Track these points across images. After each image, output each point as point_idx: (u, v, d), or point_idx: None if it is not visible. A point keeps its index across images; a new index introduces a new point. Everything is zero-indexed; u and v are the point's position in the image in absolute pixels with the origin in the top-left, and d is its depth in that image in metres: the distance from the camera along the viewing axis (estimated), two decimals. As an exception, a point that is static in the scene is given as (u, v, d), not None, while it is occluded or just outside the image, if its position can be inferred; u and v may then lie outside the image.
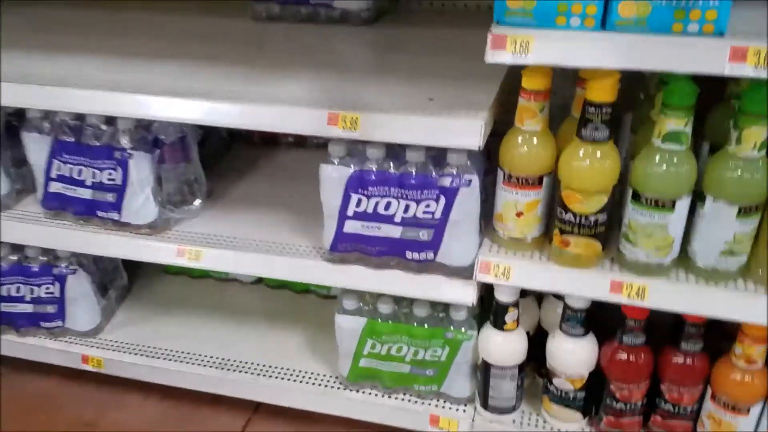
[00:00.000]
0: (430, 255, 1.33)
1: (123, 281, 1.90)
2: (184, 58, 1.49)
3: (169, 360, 1.68)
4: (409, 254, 1.34)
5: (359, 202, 1.32)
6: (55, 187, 1.53)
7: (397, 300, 1.45)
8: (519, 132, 1.21)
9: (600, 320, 1.33)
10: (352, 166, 1.30)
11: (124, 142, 1.43)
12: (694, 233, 1.20)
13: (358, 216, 1.33)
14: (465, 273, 1.33)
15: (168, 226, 1.54)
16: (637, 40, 1.01)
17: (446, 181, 1.25)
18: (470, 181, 1.25)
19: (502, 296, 1.34)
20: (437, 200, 1.27)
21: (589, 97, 1.12)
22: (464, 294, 1.34)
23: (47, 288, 1.68)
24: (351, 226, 1.35)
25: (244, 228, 1.54)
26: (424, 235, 1.31)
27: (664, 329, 1.32)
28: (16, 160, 1.62)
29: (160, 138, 1.46)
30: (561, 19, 1.04)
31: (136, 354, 1.71)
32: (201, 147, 1.59)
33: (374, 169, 1.29)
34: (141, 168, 1.45)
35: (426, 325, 1.44)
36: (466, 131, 1.18)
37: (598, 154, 1.15)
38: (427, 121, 1.19)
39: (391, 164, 1.29)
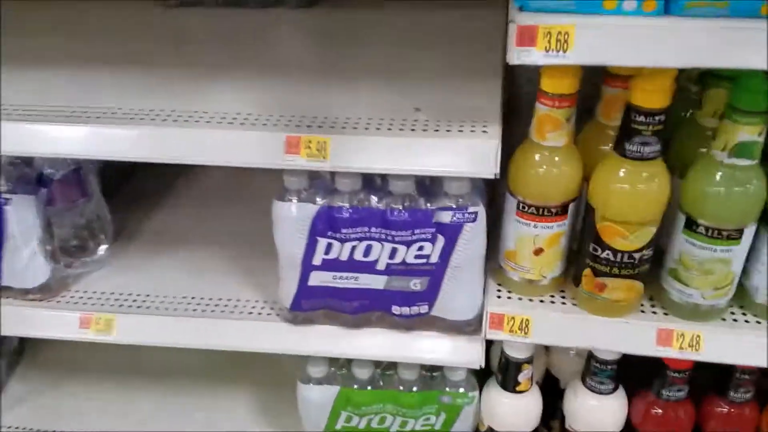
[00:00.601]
0: (424, 308, 1.05)
1: (12, 344, 1.51)
2: (70, 63, 1.13)
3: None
4: (396, 309, 1.06)
5: (329, 247, 1.02)
6: None
7: (378, 360, 1.17)
8: (537, 148, 0.95)
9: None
10: (317, 200, 1.00)
11: (-4, 183, 1.06)
12: (756, 264, 0.98)
13: (328, 265, 1.03)
14: (468, 328, 1.06)
15: (65, 287, 1.18)
16: (717, 28, 0.75)
17: (445, 217, 0.97)
18: (475, 214, 0.97)
19: (516, 352, 1.08)
20: (433, 241, 0.99)
21: (637, 101, 0.86)
22: (469, 355, 1.07)
23: None
24: (318, 278, 1.05)
25: (169, 280, 1.21)
26: (416, 284, 1.03)
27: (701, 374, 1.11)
28: None
29: (47, 173, 1.09)
30: (611, 2, 0.77)
31: (36, 444, 1.34)
32: (101, 174, 1.23)
33: (348, 205, 0.99)
34: (23, 215, 1.09)
35: (415, 389, 1.16)
36: (475, 155, 0.90)
37: (648, 174, 0.90)
38: (421, 144, 0.90)
39: (371, 197, 1.00)
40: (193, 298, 1.17)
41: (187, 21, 1.28)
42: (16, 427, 1.37)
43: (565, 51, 0.78)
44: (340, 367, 1.18)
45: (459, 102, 0.99)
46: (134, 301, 1.16)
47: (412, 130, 0.92)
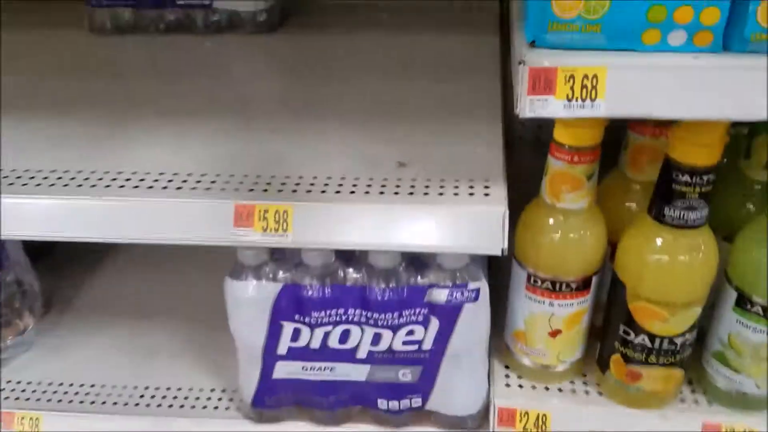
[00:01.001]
0: (417, 402, 0.87)
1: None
2: None
3: None
4: (382, 403, 0.87)
5: (296, 333, 0.83)
6: None
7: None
8: (551, 211, 0.77)
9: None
10: (280, 278, 0.81)
11: None
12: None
13: (295, 354, 0.84)
14: (472, 423, 0.88)
15: (-19, 378, 0.98)
16: (795, 69, 0.58)
17: (440, 296, 0.79)
18: (476, 292, 0.79)
19: (528, 448, 0.90)
20: (425, 324, 0.81)
21: (680, 156, 0.69)
22: (473, 457, 0.89)
23: None
24: (285, 370, 0.86)
25: (109, 365, 1.01)
26: (406, 375, 0.85)
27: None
28: None
29: (-54, 246, 0.90)
30: (652, 35, 0.59)
31: None
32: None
33: (318, 283, 0.80)
34: None
35: (408, 488, 0.98)
36: (476, 226, 0.71)
37: (692, 245, 0.72)
38: (407, 213, 0.72)
39: (347, 271, 0.81)
40: (135, 388, 0.97)
41: (121, 52, 1.09)
42: None
43: (593, 99, 0.60)
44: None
45: (451, 150, 0.81)
46: (65, 393, 0.96)
47: (396, 193, 0.74)
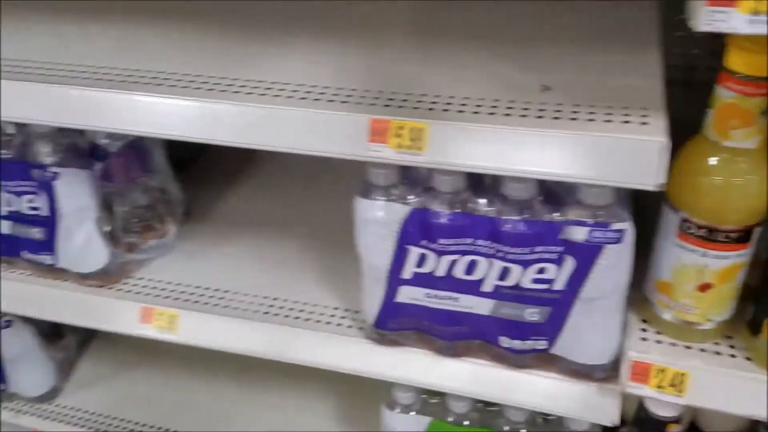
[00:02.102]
0: (542, 344, 0.84)
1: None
2: (105, 15, 0.98)
3: (147, 446, 1.24)
4: (505, 340, 0.85)
5: (422, 259, 0.82)
6: (-42, 214, 1.06)
7: (478, 392, 0.97)
8: (715, 149, 0.69)
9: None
10: (409, 200, 0.80)
11: (44, 154, 0.94)
12: None
13: (420, 280, 0.84)
14: (600, 374, 0.84)
15: (127, 273, 1.06)
16: None
17: (578, 233, 0.74)
18: (620, 234, 0.74)
19: (661, 409, 0.85)
20: (559, 262, 0.77)
21: None
22: (599, 409, 0.85)
23: (-26, 347, 1.23)
24: (408, 295, 0.86)
25: (241, 273, 1.06)
26: (533, 314, 0.82)
27: None
28: None
29: (102, 145, 0.96)
30: None
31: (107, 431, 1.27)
32: (169, 146, 1.09)
33: (448, 209, 0.78)
34: (75, 192, 0.97)
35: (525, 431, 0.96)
36: (630, 156, 0.66)
37: None
38: (552, 137, 0.68)
39: (478, 200, 0.78)
40: (265, 297, 1.02)
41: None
42: (78, 409, 1.31)
43: (786, 16, 0.52)
44: (432, 395, 0.99)
45: (603, 78, 0.75)
46: (201, 296, 1.03)
47: (539, 117, 0.70)
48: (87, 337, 1.43)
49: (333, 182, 1.17)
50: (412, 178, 0.81)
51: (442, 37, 0.87)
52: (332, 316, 0.98)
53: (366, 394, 1.26)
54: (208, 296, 1.03)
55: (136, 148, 1.00)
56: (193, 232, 1.15)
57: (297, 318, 0.98)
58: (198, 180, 1.24)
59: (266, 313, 0.99)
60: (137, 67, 0.84)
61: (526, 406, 0.90)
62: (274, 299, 1.01)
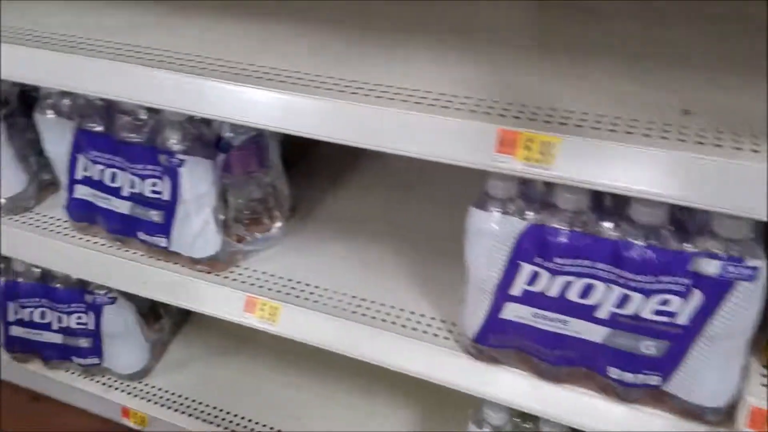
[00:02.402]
0: (655, 380, 0.79)
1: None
2: (243, 11, 1.00)
3: (234, 432, 1.26)
4: (614, 372, 0.81)
5: (534, 277, 0.79)
6: (82, 191, 1.10)
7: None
8: None
9: None
10: (528, 215, 0.77)
11: (173, 142, 0.97)
12: None
13: (529, 299, 0.81)
14: (712, 417, 0.78)
15: (234, 262, 1.08)
16: None
17: (710, 267, 0.70)
18: (754, 271, 0.69)
19: (776, 462, 0.78)
20: (685, 295, 0.72)
21: None
22: (709, 453, 0.79)
23: (79, 318, 1.28)
24: (514, 312, 0.83)
25: (342, 273, 1.07)
26: (649, 348, 0.77)
27: None
28: (38, 143, 1.20)
29: (226, 138, 0.98)
30: None
31: (192, 415, 1.29)
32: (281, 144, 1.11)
33: (569, 228, 0.75)
34: (198, 180, 1.00)
35: (620, 469, 0.91)
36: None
37: None
38: (697, 162, 0.64)
39: (600, 221, 0.75)
40: (363, 300, 1.01)
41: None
42: (166, 390, 1.34)
43: None
44: (525, 419, 0.96)
45: (748, 107, 0.70)
46: (302, 291, 1.03)
47: (681, 140, 0.66)
48: (180, 321, 1.47)
49: (436, 189, 1.16)
50: (530, 193, 0.78)
51: (566, 49, 0.85)
52: (428, 325, 0.97)
53: (446, 408, 1.24)
54: (308, 292, 1.03)
55: (257, 143, 1.02)
56: (298, 228, 1.16)
57: (393, 323, 0.97)
58: (303, 178, 1.25)
59: (364, 315, 0.99)
60: (273, 65, 0.85)
61: (630, 443, 0.85)
62: (372, 302, 1.01)
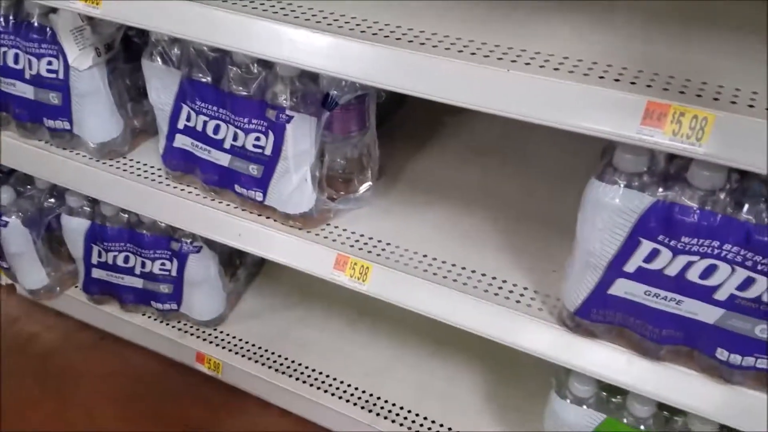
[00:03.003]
0: (764, 362, 0.73)
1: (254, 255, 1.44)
2: None
3: (307, 384, 1.21)
4: (722, 353, 0.75)
5: (654, 254, 0.73)
6: (182, 141, 1.05)
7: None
8: None
9: None
10: (658, 191, 0.71)
11: (283, 98, 0.91)
12: None
13: (643, 276, 0.75)
14: (823, 405, 0.73)
15: (325, 220, 1.03)
16: None
17: None
18: None
19: None
20: (816, 283, 0.66)
21: None
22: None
23: (162, 264, 1.24)
24: (624, 288, 0.77)
25: (431, 236, 1.01)
26: (764, 331, 0.71)
27: None
28: (135, 90, 1.15)
29: (332, 95, 0.92)
30: None
31: (265, 365, 1.26)
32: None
33: (698, 208, 0.69)
34: (302, 137, 0.94)
35: (706, 448, 0.86)
36: None
37: None
38: None
39: (729, 202, 0.69)
40: (453, 265, 0.96)
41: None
42: (240, 339, 1.30)
43: None
44: (613, 393, 0.91)
45: None
46: (392, 253, 0.98)
47: None
48: (254, 272, 1.43)
49: (522, 155, 1.09)
50: (658, 168, 0.72)
51: (713, 23, 0.77)
52: (521, 294, 0.91)
53: (518, 375, 1.20)
54: (398, 254, 0.98)
55: (359, 103, 0.96)
56: (386, 189, 1.10)
57: (486, 291, 0.92)
58: (391, 139, 1.18)
59: (455, 280, 0.93)
60: (411, 26, 0.78)
61: (724, 422, 0.80)
62: (462, 268, 0.95)
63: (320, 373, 1.23)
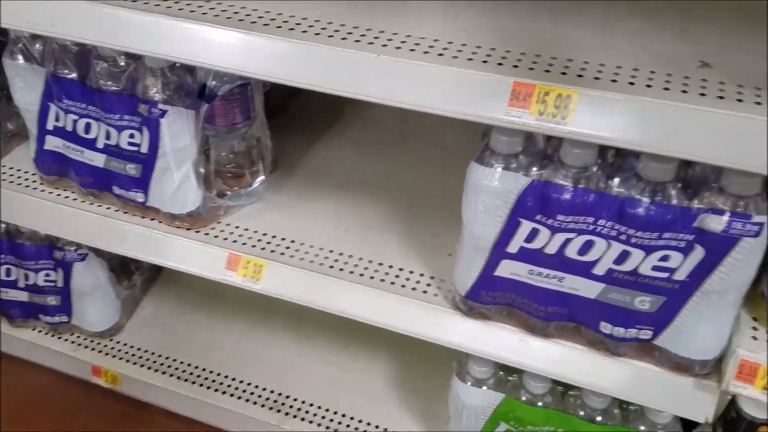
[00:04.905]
0: (647, 333, 0.76)
1: (155, 258, 1.38)
2: None
3: (212, 389, 1.17)
4: (606, 326, 0.77)
5: (533, 234, 0.74)
6: (53, 143, 0.98)
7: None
8: None
9: None
10: (532, 171, 0.71)
11: (154, 91, 0.86)
12: None
13: (525, 256, 0.76)
14: (700, 370, 0.76)
15: (215, 218, 0.99)
16: None
17: (715, 223, 0.66)
18: (759, 228, 0.65)
19: (755, 410, 0.77)
20: (686, 251, 0.68)
21: None
22: (693, 405, 0.77)
23: (47, 275, 1.17)
24: (509, 269, 0.78)
25: (326, 229, 0.99)
26: (644, 303, 0.73)
27: None
28: (6, 91, 1.07)
29: (210, 87, 0.88)
30: None
31: (166, 373, 1.20)
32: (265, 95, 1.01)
33: (573, 184, 0.70)
34: (179, 131, 0.89)
35: (599, 420, 0.88)
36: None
37: None
38: (717, 117, 0.59)
39: (606, 178, 0.70)
40: (350, 256, 0.94)
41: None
42: (138, 348, 1.24)
43: None
44: (510, 372, 0.92)
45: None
46: (287, 248, 0.95)
47: (702, 95, 0.61)
48: (151, 277, 1.36)
49: (421, 142, 1.08)
50: (534, 149, 0.72)
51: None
52: (417, 282, 0.90)
53: (427, 363, 1.19)
54: (293, 249, 0.95)
55: (241, 93, 0.92)
56: (281, 183, 1.07)
57: (381, 281, 0.91)
58: (285, 131, 1.14)
59: (351, 272, 0.92)
60: (280, 11, 0.75)
61: (614, 394, 0.82)
62: (360, 259, 0.94)
63: (226, 377, 1.19)
